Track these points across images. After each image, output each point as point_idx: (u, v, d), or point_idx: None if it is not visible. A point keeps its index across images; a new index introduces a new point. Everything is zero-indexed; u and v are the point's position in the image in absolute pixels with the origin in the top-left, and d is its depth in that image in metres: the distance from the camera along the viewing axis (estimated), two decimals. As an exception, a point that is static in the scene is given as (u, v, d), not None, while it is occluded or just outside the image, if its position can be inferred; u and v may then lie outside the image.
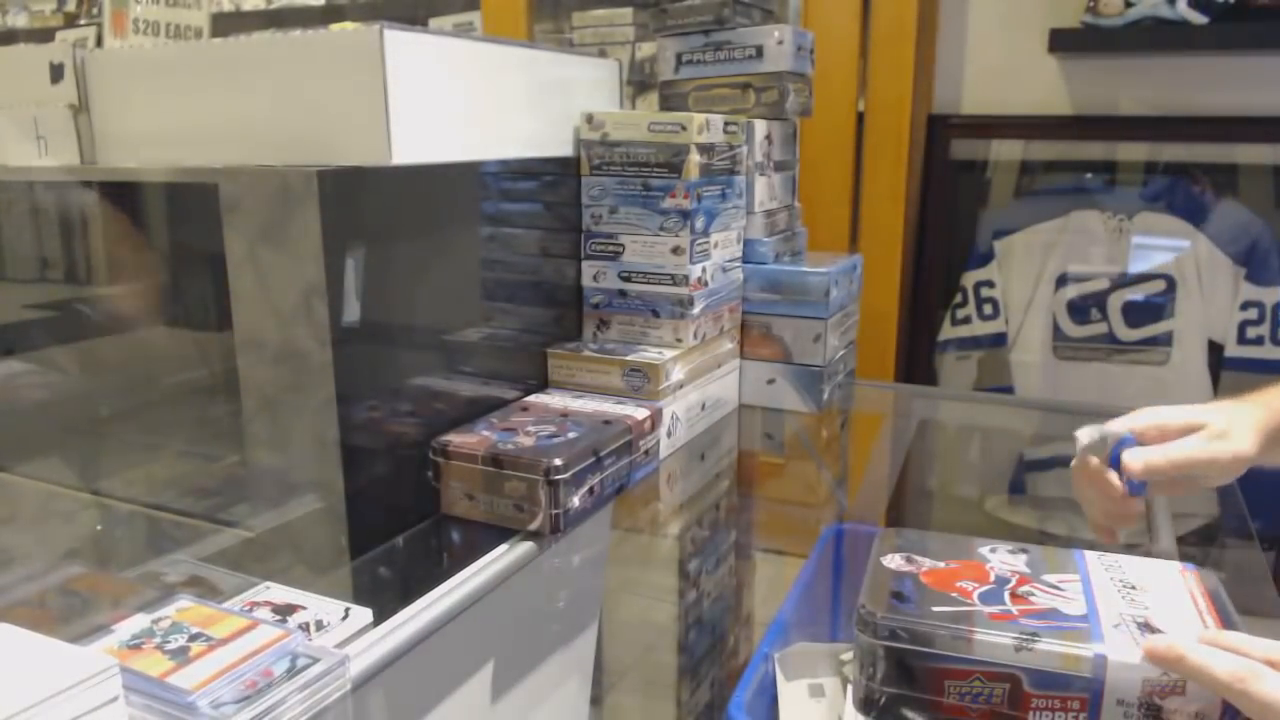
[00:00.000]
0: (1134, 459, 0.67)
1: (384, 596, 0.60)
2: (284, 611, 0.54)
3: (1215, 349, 1.62)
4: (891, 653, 0.54)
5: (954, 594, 0.57)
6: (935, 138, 1.78)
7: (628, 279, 0.89)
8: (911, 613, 0.55)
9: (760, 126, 0.97)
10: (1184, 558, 0.66)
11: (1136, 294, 1.65)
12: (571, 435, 0.72)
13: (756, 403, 1.01)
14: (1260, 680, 0.46)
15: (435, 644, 0.57)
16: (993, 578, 0.59)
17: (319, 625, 0.52)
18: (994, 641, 0.52)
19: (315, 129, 0.65)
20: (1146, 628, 0.53)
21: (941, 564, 0.61)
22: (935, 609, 0.55)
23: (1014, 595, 0.57)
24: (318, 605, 0.54)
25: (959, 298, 1.77)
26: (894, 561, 0.61)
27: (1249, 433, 0.68)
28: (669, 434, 0.84)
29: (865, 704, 0.55)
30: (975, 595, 0.57)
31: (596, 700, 0.95)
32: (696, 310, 0.88)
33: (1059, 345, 1.71)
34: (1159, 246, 1.65)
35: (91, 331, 0.83)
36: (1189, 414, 0.70)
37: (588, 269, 0.90)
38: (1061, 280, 1.70)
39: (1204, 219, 1.62)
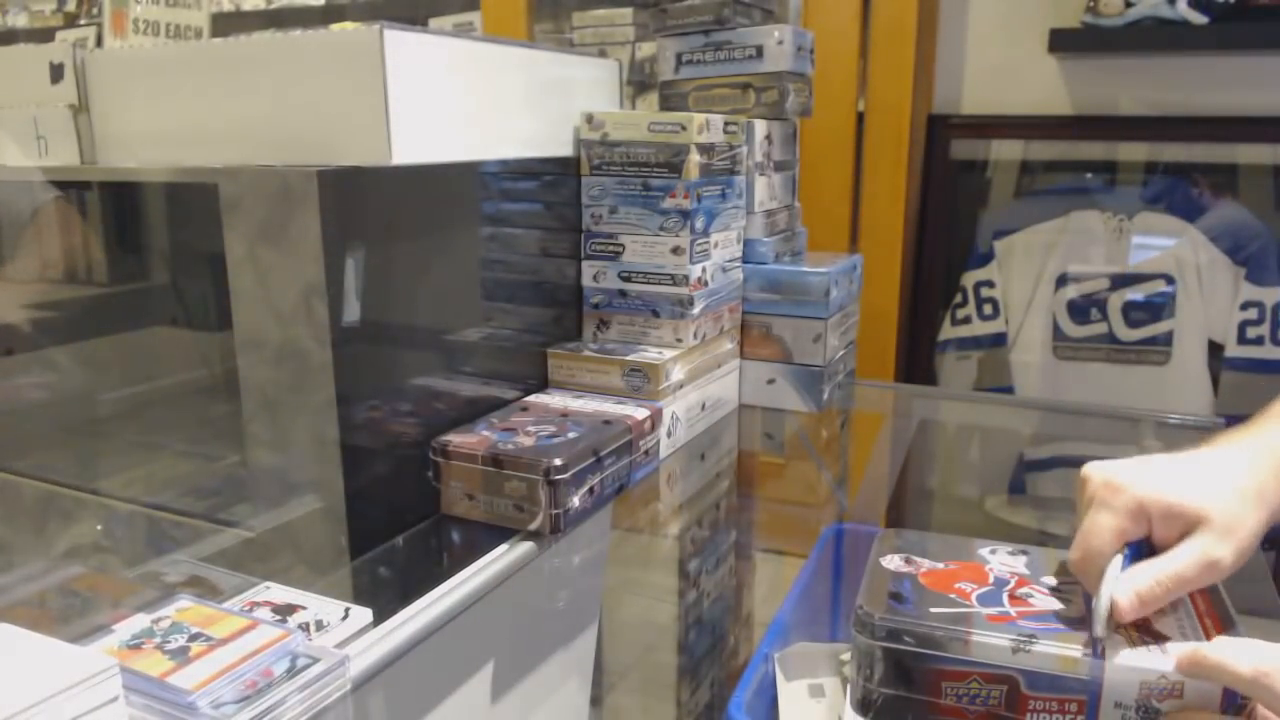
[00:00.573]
0: (1125, 599, 0.52)
1: (384, 596, 0.60)
2: (284, 611, 0.54)
3: (1215, 349, 1.62)
4: (889, 653, 0.54)
5: (952, 595, 0.57)
6: (935, 138, 1.78)
7: (628, 279, 0.89)
8: (909, 614, 0.54)
9: (760, 126, 0.97)
10: None
11: (1136, 294, 1.65)
12: (571, 435, 0.72)
13: (756, 403, 1.01)
14: None
15: (435, 644, 0.57)
16: (991, 579, 0.59)
17: (319, 625, 0.52)
18: (991, 643, 0.52)
19: (315, 129, 0.65)
20: (1145, 630, 0.53)
21: (941, 565, 0.61)
22: (933, 610, 0.55)
23: (1013, 597, 0.57)
24: (318, 605, 0.54)
25: (959, 298, 1.77)
26: (893, 562, 0.61)
27: (1255, 527, 0.54)
28: (669, 434, 0.84)
29: (863, 705, 0.55)
30: (973, 597, 0.56)
31: (596, 700, 0.95)
32: (696, 310, 0.88)
33: (1059, 345, 1.71)
34: (1159, 246, 1.65)
35: (91, 331, 0.83)
36: (1180, 493, 0.54)
37: (588, 269, 0.90)
38: (1061, 280, 1.70)
39: (1204, 219, 1.62)
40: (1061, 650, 0.51)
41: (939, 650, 0.53)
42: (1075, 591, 0.57)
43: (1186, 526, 0.54)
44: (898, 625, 0.54)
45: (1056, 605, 0.56)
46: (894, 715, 0.54)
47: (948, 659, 0.52)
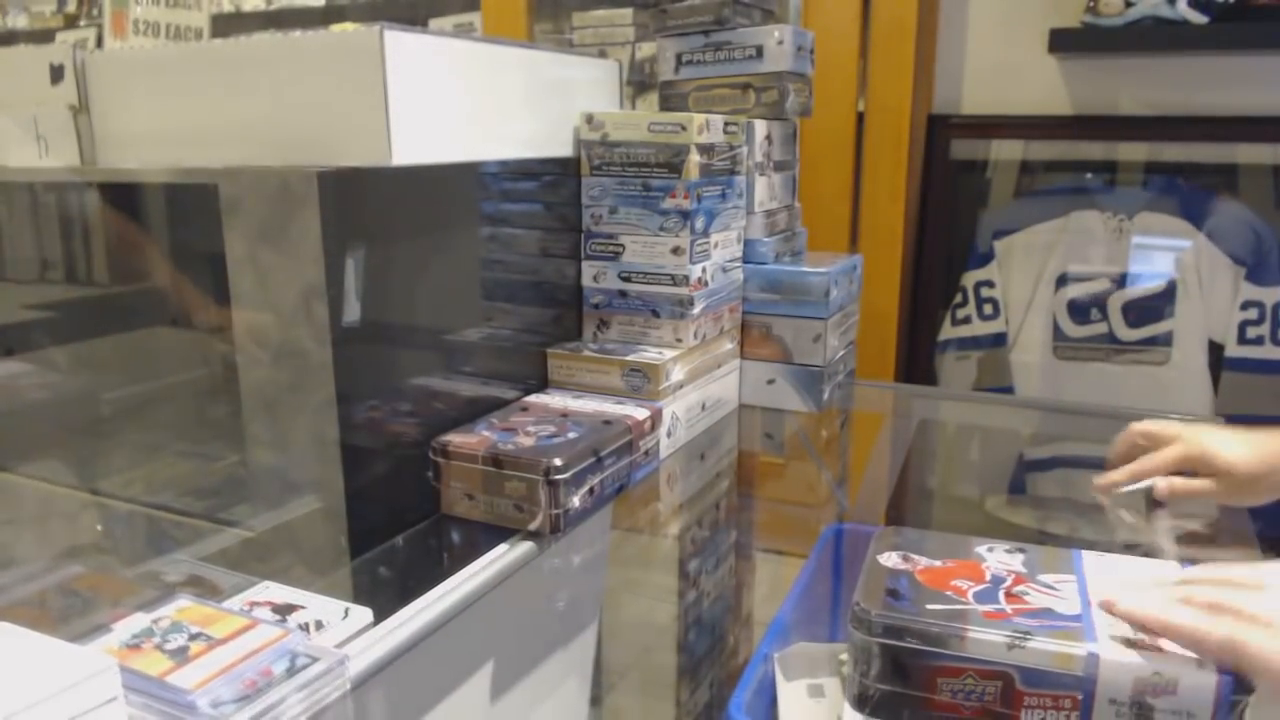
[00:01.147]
0: (1163, 484, 0.81)
1: (384, 596, 0.60)
2: (284, 611, 0.54)
3: (1215, 349, 1.62)
4: (885, 650, 0.54)
5: (949, 592, 0.57)
6: (935, 138, 1.78)
7: (628, 279, 0.89)
8: (906, 610, 0.55)
9: (760, 126, 0.97)
10: (1183, 558, 0.66)
11: (1136, 294, 1.65)
12: (571, 435, 0.72)
13: (756, 403, 1.01)
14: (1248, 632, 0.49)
15: (435, 644, 0.57)
16: (989, 577, 0.59)
17: (319, 625, 0.52)
18: (986, 639, 0.52)
19: (315, 129, 0.65)
20: (1140, 629, 0.53)
21: (938, 563, 0.61)
22: (929, 607, 0.55)
23: (1009, 594, 0.57)
24: (317, 605, 0.54)
25: (959, 298, 1.77)
26: (890, 560, 0.61)
27: (1258, 465, 0.78)
28: (669, 434, 0.84)
29: (859, 701, 0.55)
30: (970, 594, 0.57)
31: (596, 700, 0.95)
32: (696, 310, 0.88)
33: (1059, 345, 1.71)
34: (1159, 246, 1.65)
35: (91, 331, 0.83)
36: (1218, 456, 0.79)
37: (588, 269, 0.90)
38: (1061, 280, 1.70)
39: (1204, 219, 1.62)
40: (1056, 647, 0.51)
41: (935, 646, 0.53)
42: (1072, 589, 0.57)
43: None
44: (894, 621, 0.54)
45: (1052, 602, 0.56)
46: (890, 711, 0.54)
47: (943, 655, 0.53)
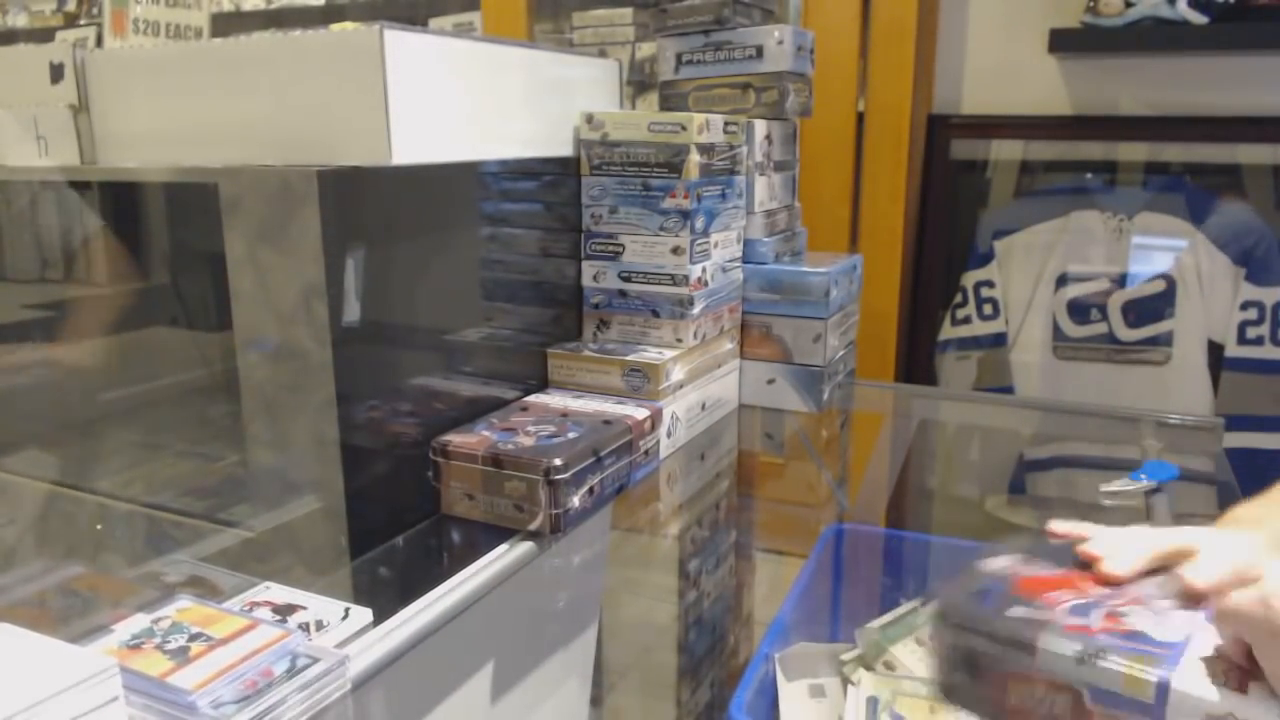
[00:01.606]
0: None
1: (384, 596, 0.60)
2: (284, 611, 0.54)
3: (1215, 349, 1.62)
4: (958, 648, 0.54)
5: (1038, 601, 0.55)
6: (935, 138, 1.79)
7: (628, 279, 0.89)
8: (985, 613, 0.54)
9: (760, 126, 0.97)
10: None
11: (1136, 294, 1.65)
12: (571, 435, 0.72)
13: (756, 403, 1.01)
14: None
15: (435, 644, 0.57)
16: (1098, 593, 0.56)
17: (319, 625, 0.52)
18: (1057, 652, 0.51)
19: (315, 129, 0.65)
20: (1230, 665, 0.49)
21: (1049, 573, 0.59)
22: (1010, 612, 0.54)
23: (1110, 614, 0.54)
24: (318, 605, 0.54)
25: (959, 298, 1.77)
26: (995, 564, 0.60)
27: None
28: (669, 434, 0.84)
29: (947, 691, 0.56)
30: (1063, 606, 0.55)
31: (596, 700, 0.95)
32: (696, 310, 0.88)
33: (1059, 345, 1.71)
34: (1159, 246, 1.65)
35: (91, 331, 0.83)
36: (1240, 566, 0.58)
37: (588, 269, 0.90)
38: (1061, 280, 1.70)
39: (1204, 219, 1.62)
40: (1127, 669, 0.49)
41: (1005, 652, 0.53)
42: (1190, 620, 0.53)
43: None
44: (970, 622, 0.54)
45: (1153, 628, 0.52)
46: (967, 701, 0.55)
47: (1013, 661, 0.52)
